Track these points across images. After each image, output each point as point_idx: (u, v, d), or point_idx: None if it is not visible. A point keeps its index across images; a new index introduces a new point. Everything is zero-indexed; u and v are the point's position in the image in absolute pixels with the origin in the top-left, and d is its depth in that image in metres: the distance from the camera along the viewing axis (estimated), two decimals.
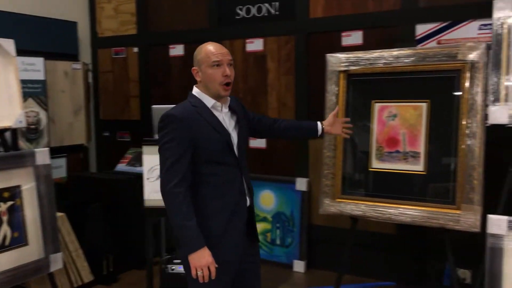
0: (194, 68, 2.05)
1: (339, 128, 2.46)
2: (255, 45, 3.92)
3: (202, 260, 1.91)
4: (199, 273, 1.92)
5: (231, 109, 2.11)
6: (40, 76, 3.98)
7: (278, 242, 3.82)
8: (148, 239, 3.11)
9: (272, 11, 3.84)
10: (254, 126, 2.26)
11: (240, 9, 3.97)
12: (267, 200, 3.84)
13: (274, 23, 3.82)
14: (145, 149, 2.94)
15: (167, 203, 1.96)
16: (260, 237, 3.79)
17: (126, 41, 4.56)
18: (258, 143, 3.94)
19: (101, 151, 4.79)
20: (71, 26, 4.50)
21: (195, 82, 2.10)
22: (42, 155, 3.00)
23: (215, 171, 2.00)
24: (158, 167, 2.88)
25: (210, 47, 2.00)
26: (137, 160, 3.99)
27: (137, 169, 3.89)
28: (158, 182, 2.88)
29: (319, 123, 2.41)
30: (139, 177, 3.26)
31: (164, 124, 1.98)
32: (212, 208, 2.00)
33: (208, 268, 1.92)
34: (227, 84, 2.00)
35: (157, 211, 2.97)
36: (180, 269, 2.96)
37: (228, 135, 2.02)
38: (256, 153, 3.96)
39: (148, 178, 2.93)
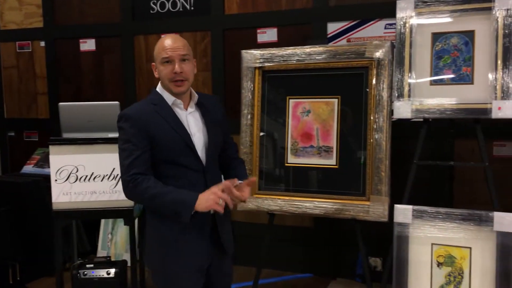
0: (152, 64, 1.97)
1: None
2: None
3: (207, 195, 1.78)
4: (220, 202, 1.79)
5: (202, 108, 2.00)
6: None
7: None
8: (58, 244, 2.94)
9: (187, 6, 3.78)
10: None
11: (155, 4, 3.87)
12: None
13: (190, 19, 3.77)
14: (52, 149, 2.78)
15: (137, 200, 1.91)
16: None
17: (31, 35, 4.28)
18: None
19: (6, 152, 4.46)
20: None
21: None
22: None
23: (174, 173, 1.91)
24: (67, 168, 2.78)
25: (164, 42, 1.91)
26: (46, 161, 3.76)
27: (45, 170, 3.68)
28: (66, 184, 2.77)
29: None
30: (47, 179, 3.08)
31: (120, 125, 1.90)
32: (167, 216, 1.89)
33: (219, 194, 1.78)
34: (179, 81, 1.90)
35: (67, 214, 2.82)
36: (93, 273, 2.84)
37: (187, 135, 1.91)
38: None
39: (56, 180, 2.77)
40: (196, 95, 2.00)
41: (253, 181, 1.96)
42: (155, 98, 1.96)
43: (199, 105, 2.02)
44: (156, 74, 1.96)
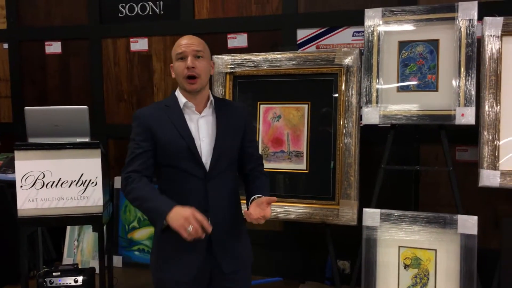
0: (171, 65, 1.96)
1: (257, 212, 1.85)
2: (139, 44, 3.81)
3: (183, 213, 1.67)
4: (189, 229, 1.66)
5: (220, 113, 1.93)
6: None
7: None
8: (23, 252, 2.86)
9: (157, 10, 3.76)
10: (239, 154, 2.01)
11: (123, 7, 3.83)
12: None
13: (159, 23, 3.74)
14: (18, 154, 2.70)
15: (127, 197, 1.85)
16: (148, 242, 3.69)
17: None
18: None
19: None
20: None
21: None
22: None
23: (174, 177, 1.87)
24: (33, 173, 2.71)
25: (180, 40, 1.91)
26: (9, 166, 3.64)
27: (9, 176, 3.57)
28: (32, 190, 2.70)
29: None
30: (11, 185, 2.99)
31: (132, 123, 1.92)
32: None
33: (196, 219, 1.67)
34: (191, 77, 1.86)
35: (32, 221, 2.74)
36: (60, 282, 2.77)
37: (191, 140, 1.85)
38: None
39: (21, 186, 2.69)
40: (212, 98, 1.95)
41: (273, 200, 1.86)
42: (169, 100, 1.95)
43: (218, 110, 1.95)
44: (173, 75, 1.95)
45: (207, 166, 1.87)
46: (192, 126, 1.89)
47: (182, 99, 1.92)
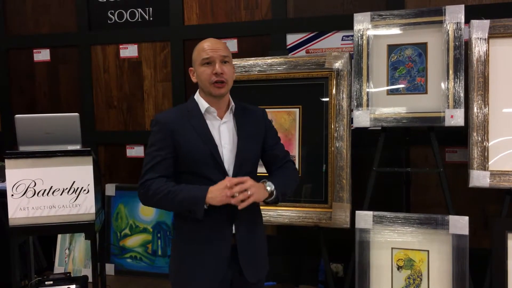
0: (190, 68, 1.90)
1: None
2: (129, 51, 3.81)
3: (219, 187, 1.71)
4: (236, 195, 1.70)
5: (240, 118, 1.90)
6: None
7: (159, 253, 3.73)
8: (15, 261, 2.83)
9: (146, 16, 3.76)
10: (264, 157, 2.00)
11: (112, 14, 3.82)
12: (147, 210, 3.74)
13: (149, 29, 3.74)
14: (8, 162, 2.67)
15: (153, 205, 1.83)
16: (141, 249, 3.67)
17: None
18: (135, 152, 3.83)
19: None
20: None
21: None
22: None
23: (197, 184, 1.80)
24: (24, 182, 2.69)
25: (204, 44, 1.84)
26: (0, 175, 3.62)
27: None
28: (23, 198, 2.67)
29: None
30: (2, 194, 2.96)
31: (151, 128, 1.88)
32: (186, 229, 1.84)
33: (234, 184, 1.71)
34: (219, 82, 1.82)
35: (24, 230, 2.72)
36: None
37: (214, 146, 1.81)
38: (135, 162, 3.84)
39: (12, 195, 2.67)
40: (233, 103, 1.93)
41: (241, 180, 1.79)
42: (190, 105, 1.89)
43: (237, 115, 1.93)
44: (194, 79, 1.90)
45: (230, 172, 1.84)
46: (214, 132, 1.85)
47: (203, 104, 1.87)
